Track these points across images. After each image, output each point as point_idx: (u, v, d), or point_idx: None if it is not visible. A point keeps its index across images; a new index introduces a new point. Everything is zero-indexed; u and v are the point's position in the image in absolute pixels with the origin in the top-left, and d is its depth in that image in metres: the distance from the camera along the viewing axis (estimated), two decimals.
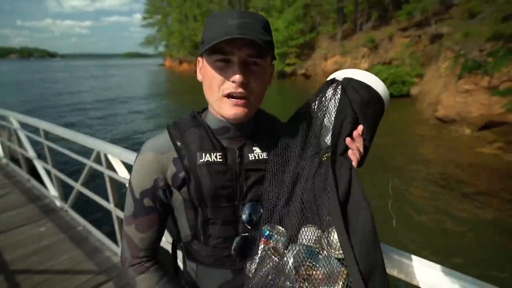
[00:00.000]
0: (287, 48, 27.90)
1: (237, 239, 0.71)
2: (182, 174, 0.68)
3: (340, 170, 0.64)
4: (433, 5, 19.69)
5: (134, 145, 9.42)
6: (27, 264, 2.33)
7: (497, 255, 4.20)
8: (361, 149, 0.66)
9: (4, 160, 4.61)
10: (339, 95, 0.69)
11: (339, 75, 0.72)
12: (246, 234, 0.72)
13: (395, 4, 24.34)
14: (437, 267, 0.76)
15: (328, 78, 0.74)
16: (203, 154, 0.67)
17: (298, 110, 0.75)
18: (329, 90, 0.72)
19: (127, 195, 0.73)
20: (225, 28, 0.59)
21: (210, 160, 0.67)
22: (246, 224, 0.71)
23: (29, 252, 2.48)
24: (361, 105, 0.67)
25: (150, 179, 0.69)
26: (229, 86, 0.62)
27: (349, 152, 0.65)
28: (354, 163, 0.64)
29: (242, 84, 0.61)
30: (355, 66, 22.77)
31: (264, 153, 0.73)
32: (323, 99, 0.72)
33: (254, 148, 0.72)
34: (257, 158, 0.71)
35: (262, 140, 0.74)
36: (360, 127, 0.67)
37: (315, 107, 0.72)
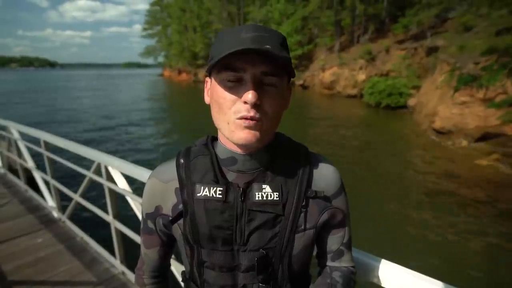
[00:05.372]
0: None
1: None
2: (180, 207, 0.63)
3: None
4: (428, 18, 20.10)
5: (137, 161, 9.43)
6: (24, 275, 2.31)
7: (494, 266, 4.20)
8: None
9: (2, 170, 4.62)
10: None
11: None
12: None
13: (392, 18, 24.82)
14: (408, 271, 0.80)
15: None
16: (202, 187, 0.60)
17: None
18: None
19: None
20: (237, 42, 0.51)
21: (208, 195, 0.60)
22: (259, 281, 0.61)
23: (26, 263, 2.46)
24: None
25: (152, 205, 0.68)
26: (241, 108, 0.53)
27: None
28: None
29: (254, 105, 0.53)
30: (352, 77, 23.01)
31: (275, 193, 0.60)
32: None
33: (263, 186, 0.60)
34: (265, 198, 0.60)
35: (276, 177, 0.62)
36: None
37: None
